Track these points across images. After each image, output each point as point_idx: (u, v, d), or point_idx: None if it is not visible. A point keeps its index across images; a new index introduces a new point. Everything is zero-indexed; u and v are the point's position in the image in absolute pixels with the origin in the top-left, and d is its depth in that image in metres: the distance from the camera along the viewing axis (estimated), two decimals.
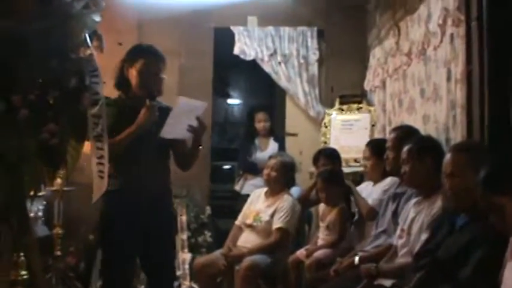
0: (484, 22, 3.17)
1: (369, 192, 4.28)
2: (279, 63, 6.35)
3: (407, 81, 4.61)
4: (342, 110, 6.15)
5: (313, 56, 6.37)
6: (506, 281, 2.11)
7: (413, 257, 2.95)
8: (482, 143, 3.12)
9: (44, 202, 5.27)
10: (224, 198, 6.85)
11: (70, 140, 2.68)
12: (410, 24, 4.45)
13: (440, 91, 3.80)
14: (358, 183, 5.03)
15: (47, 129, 2.47)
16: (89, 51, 2.73)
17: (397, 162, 3.51)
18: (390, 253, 3.41)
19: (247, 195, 5.14)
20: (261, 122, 5.96)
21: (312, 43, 6.37)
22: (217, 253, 4.66)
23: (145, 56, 3.29)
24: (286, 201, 4.62)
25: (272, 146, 5.92)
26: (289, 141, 6.38)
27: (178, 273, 5.03)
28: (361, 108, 6.07)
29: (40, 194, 4.10)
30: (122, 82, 3.33)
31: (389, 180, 4.04)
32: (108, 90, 3.18)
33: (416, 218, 3.20)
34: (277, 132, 6.22)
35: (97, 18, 2.72)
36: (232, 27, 6.40)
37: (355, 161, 5.78)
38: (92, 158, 2.90)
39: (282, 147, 5.96)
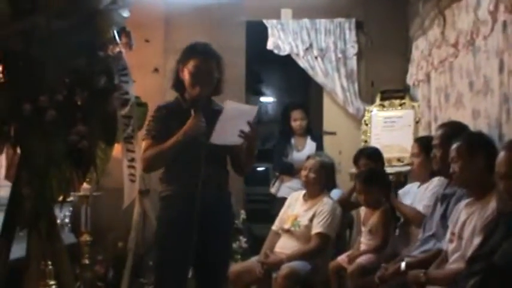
0: None
1: (415, 195, 4.24)
2: (315, 57, 6.33)
3: (454, 74, 4.56)
4: (384, 106, 6.12)
5: (352, 50, 6.34)
6: None
7: (466, 263, 2.91)
8: None
9: (70, 208, 5.33)
10: (259, 202, 6.86)
11: (99, 143, 2.69)
12: (457, 12, 4.40)
13: (492, 84, 3.76)
14: (403, 184, 4.99)
15: (75, 131, 2.49)
16: (117, 49, 2.76)
17: (445, 161, 3.47)
18: (440, 258, 3.38)
19: (284, 198, 5.16)
20: (297, 121, 5.94)
21: (350, 35, 6.34)
22: (254, 260, 4.67)
23: (196, 56, 3.35)
24: (326, 205, 4.61)
25: (309, 145, 5.90)
26: (327, 140, 6.34)
27: None
28: (404, 104, 6.03)
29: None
30: (177, 83, 3.42)
31: (436, 180, 4.00)
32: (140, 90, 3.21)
33: (468, 220, 3.16)
34: (314, 131, 6.19)
35: (125, 13, 2.72)
36: (265, 21, 6.39)
37: (399, 160, 5.74)
38: (123, 161, 2.93)
39: (319, 146, 5.93)
